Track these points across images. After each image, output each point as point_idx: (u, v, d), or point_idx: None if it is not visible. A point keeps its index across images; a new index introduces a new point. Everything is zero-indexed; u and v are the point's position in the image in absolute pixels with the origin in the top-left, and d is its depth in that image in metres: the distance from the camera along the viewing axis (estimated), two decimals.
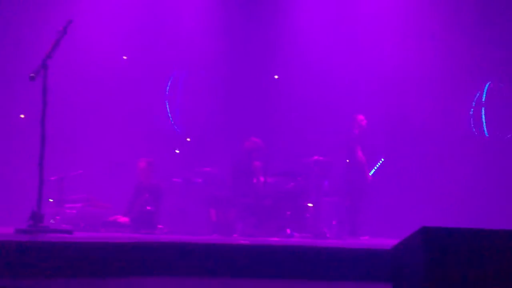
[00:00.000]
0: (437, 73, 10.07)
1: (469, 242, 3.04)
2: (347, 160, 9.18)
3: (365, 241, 8.24)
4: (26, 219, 5.70)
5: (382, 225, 9.11)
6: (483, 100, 10.38)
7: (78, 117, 10.33)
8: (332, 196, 9.07)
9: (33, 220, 5.64)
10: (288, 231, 8.29)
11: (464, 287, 2.95)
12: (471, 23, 10.04)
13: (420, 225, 3.11)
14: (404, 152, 10.03)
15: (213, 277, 4.41)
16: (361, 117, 9.28)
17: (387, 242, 4.94)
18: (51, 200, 8.73)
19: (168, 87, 11.30)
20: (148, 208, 8.67)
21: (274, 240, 7.29)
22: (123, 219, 8.68)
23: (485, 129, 10.29)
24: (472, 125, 10.39)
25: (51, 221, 8.32)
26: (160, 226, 8.71)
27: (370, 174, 9.24)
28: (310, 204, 8.74)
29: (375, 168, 9.43)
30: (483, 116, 10.32)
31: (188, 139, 11.09)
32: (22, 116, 10.16)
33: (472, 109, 10.40)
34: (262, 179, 8.78)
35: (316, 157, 9.09)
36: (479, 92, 10.42)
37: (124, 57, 10.90)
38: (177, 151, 10.92)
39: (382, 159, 9.48)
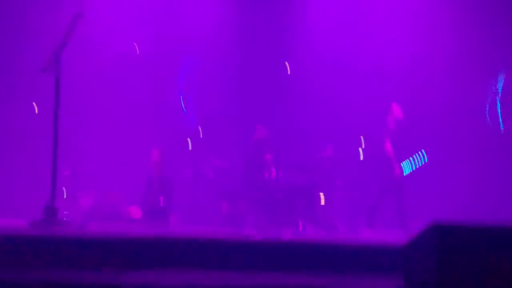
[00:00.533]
0: (451, 66, 9.99)
1: (482, 238, 3.03)
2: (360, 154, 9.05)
3: (374, 235, 8.19)
4: (40, 212, 5.74)
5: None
6: (499, 93, 10.30)
7: (91, 110, 10.35)
8: (343, 190, 9.06)
9: (47, 214, 5.69)
10: (300, 225, 8.32)
11: (475, 283, 2.95)
12: (488, 14, 9.96)
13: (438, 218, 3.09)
14: (421, 146, 9.91)
15: (223, 270, 4.43)
16: (396, 108, 8.92)
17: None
18: (65, 194, 8.79)
19: (180, 79, 11.31)
20: (160, 200, 8.72)
21: (286, 233, 7.31)
22: (136, 212, 8.73)
23: (501, 123, 10.21)
24: (488, 119, 10.32)
25: (65, 214, 8.39)
26: (171, 219, 8.74)
27: (403, 168, 8.79)
28: (322, 198, 8.73)
29: (410, 163, 8.91)
30: (499, 109, 10.24)
31: (200, 128, 11.04)
32: (35, 108, 10.22)
33: (488, 103, 10.34)
34: (273, 172, 8.78)
35: (328, 152, 9.08)
36: (495, 84, 10.34)
37: (137, 48, 10.88)
38: (189, 142, 10.90)
39: (421, 155, 8.97)
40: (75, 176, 8.92)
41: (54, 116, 5.81)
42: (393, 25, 10.21)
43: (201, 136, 10.93)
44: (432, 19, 10.19)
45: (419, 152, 8.88)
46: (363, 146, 9.55)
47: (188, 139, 10.85)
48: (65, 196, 8.75)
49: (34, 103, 10.17)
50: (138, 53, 10.85)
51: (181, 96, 11.25)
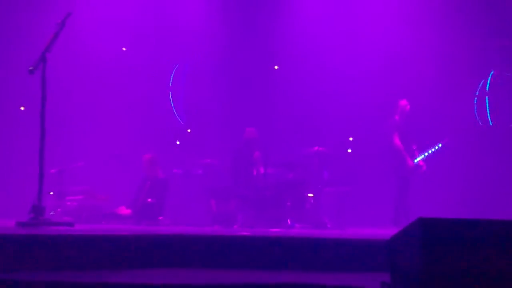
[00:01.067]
0: (440, 62, 10.04)
1: (467, 233, 3.05)
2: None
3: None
4: (27, 212, 5.71)
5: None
6: (487, 89, 10.37)
7: (78, 109, 10.34)
8: (332, 186, 9.09)
9: (34, 213, 5.66)
10: (289, 221, 8.34)
11: (462, 278, 2.97)
12: (476, 11, 10.02)
13: (423, 215, 3.12)
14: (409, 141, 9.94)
15: (214, 268, 4.43)
16: (403, 102, 8.91)
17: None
18: (52, 193, 8.76)
19: (171, 79, 11.31)
20: (149, 200, 8.72)
21: (275, 231, 7.33)
22: (125, 211, 8.73)
23: (489, 118, 10.28)
24: (476, 114, 10.38)
25: (51, 213, 8.36)
26: (161, 218, 8.74)
27: (416, 161, 8.79)
28: (310, 195, 8.76)
29: (424, 155, 8.86)
30: (487, 105, 10.31)
31: (189, 131, 11.11)
32: (22, 108, 10.18)
33: (476, 98, 10.40)
34: (262, 170, 8.80)
35: (316, 148, 9.11)
36: (483, 80, 10.40)
37: (124, 49, 10.89)
38: (178, 143, 10.94)
39: (437, 146, 8.91)
40: (63, 175, 8.89)
41: (41, 115, 5.78)
42: (382, 24, 10.25)
43: (188, 131, 10.94)
44: (421, 17, 10.22)
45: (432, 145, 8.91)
46: (351, 139, 9.56)
47: (177, 140, 10.86)
48: (51, 193, 8.71)
49: (21, 108, 10.14)
50: (125, 49, 10.83)
51: (170, 96, 11.25)
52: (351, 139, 10.33)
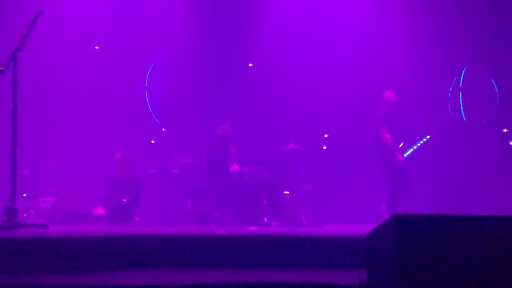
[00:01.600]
0: (414, 58, 10.10)
1: (443, 229, 3.08)
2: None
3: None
4: (0, 214, 5.62)
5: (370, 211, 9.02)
6: (461, 84, 10.48)
7: (51, 109, 10.20)
8: (308, 184, 9.10)
9: (7, 215, 5.58)
10: (265, 219, 8.34)
11: (438, 274, 2.99)
12: (449, 7, 10.11)
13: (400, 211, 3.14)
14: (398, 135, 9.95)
15: (190, 268, 4.41)
16: (389, 94, 8.67)
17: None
18: (25, 195, 8.63)
19: (147, 78, 11.23)
20: (124, 200, 8.64)
21: (251, 229, 7.32)
22: (99, 212, 8.63)
23: (462, 113, 10.39)
24: (450, 110, 10.48)
25: (25, 215, 8.23)
26: (136, 218, 8.68)
27: (405, 155, 8.55)
28: (286, 192, 8.77)
29: (412, 149, 8.71)
30: (461, 101, 10.42)
31: (164, 129, 11.04)
32: None
33: (450, 94, 10.50)
34: (238, 167, 8.77)
35: (291, 146, 9.11)
36: (456, 77, 10.51)
37: (96, 47, 10.79)
38: (152, 142, 10.86)
39: (425, 139, 8.81)
40: (36, 176, 8.76)
41: (13, 115, 5.69)
42: (358, 21, 10.29)
43: (163, 130, 10.88)
44: (395, 14, 10.27)
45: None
46: (326, 136, 9.58)
47: (152, 139, 10.78)
48: (24, 195, 8.59)
49: None
50: (97, 48, 10.73)
51: (146, 95, 11.18)
52: (326, 136, 10.36)
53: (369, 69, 10.07)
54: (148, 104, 11.18)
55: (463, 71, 10.47)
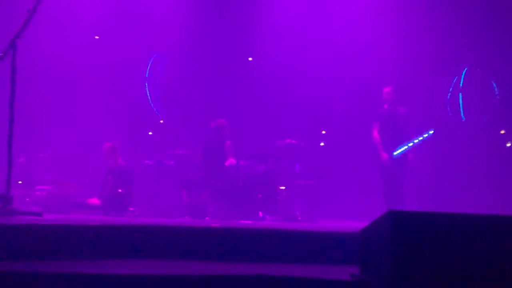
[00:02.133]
0: (415, 58, 10.10)
1: (436, 226, 3.09)
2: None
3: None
4: None
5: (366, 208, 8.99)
6: (461, 85, 10.48)
7: (49, 97, 10.19)
8: (303, 179, 9.12)
9: (2, 202, 5.57)
10: (260, 214, 8.35)
11: (430, 270, 3.01)
12: (449, 8, 10.10)
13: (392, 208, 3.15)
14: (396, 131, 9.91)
15: (183, 259, 4.42)
16: (385, 89, 8.53)
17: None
18: (20, 182, 8.63)
19: (148, 69, 11.23)
20: (119, 190, 8.65)
21: (246, 222, 7.33)
22: (95, 201, 8.64)
23: (462, 113, 10.40)
24: (449, 110, 10.49)
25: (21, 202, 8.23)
26: (131, 209, 8.68)
27: (395, 153, 8.31)
28: (282, 187, 8.78)
29: (404, 148, 8.31)
30: (461, 101, 10.42)
31: (162, 121, 11.04)
32: None
33: (450, 94, 10.51)
34: (234, 161, 8.78)
35: (288, 140, 9.12)
36: (457, 77, 10.52)
37: (96, 37, 10.77)
38: (150, 133, 10.86)
39: (426, 134, 8.40)
40: (32, 164, 8.76)
41: (10, 103, 5.68)
42: (358, 19, 10.29)
43: (161, 122, 10.88)
44: (396, 14, 10.26)
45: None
46: (323, 132, 9.55)
47: (150, 131, 10.79)
48: (20, 182, 8.58)
49: None
50: (97, 38, 10.71)
51: (147, 87, 11.17)
52: (323, 132, 10.37)
53: (368, 67, 10.07)
54: (149, 96, 11.18)
55: (464, 71, 10.47)
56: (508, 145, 9.94)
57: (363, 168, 9.52)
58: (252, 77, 10.72)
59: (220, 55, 10.83)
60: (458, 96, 10.47)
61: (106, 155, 9.05)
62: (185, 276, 3.63)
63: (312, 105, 10.38)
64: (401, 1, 10.27)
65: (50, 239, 4.32)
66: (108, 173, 8.93)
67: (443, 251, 3.03)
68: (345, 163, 9.90)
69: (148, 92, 11.20)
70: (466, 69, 10.49)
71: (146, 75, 11.22)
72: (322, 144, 10.22)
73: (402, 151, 8.34)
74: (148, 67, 11.23)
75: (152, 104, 11.18)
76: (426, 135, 8.37)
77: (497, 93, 10.30)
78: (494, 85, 10.33)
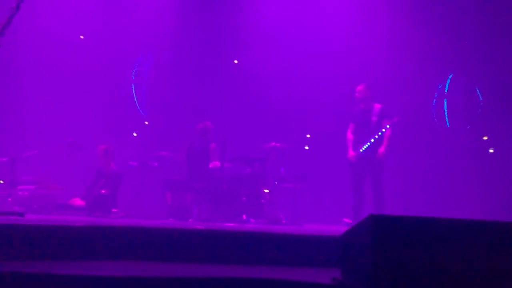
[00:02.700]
0: (401, 64, 10.15)
1: (417, 230, 3.11)
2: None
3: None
4: None
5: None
6: (446, 91, 10.56)
7: (33, 96, 10.12)
8: (288, 182, 9.13)
9: None
10: (244, 216, 8.35)
11: (411, 275, 3.02)
12: (435, 15, 10.17)
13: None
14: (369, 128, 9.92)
15: (166, 261, 4.41)
16: (358, 88, 8.37)
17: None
18: (2, 182, 8.56)
19: (134, 71, 11.20)
20: (103, 191, 8.61)
21: (229, 225, 7.32)
22: (78, 202, 8.59)
23: (446, 119, 10.47)
24: (434, 116, 10.56)
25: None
26: (114, 210, 8.64)
27: (361, 150, 8.12)
28: (266, 190, 8.78)
29: (367, 145, 8.11)
30: (445, 107, 10.50)
31: (146, 123, 11.01)
32: None
33: (435, 100, 10.58)
34: (218, 163, 8.77)
35: (273, 143, 9.14)
36: (442, 83, 10.60)
37: (81, 37, 10.72)
38: (134, 134, 10.83)
39: (384, 129, 8.05)
40: (15, 164, 8.69)
41: None
42: (343, 22, 10.33)
43: (146, 123, 10.85)
44: (380, 17, 10.32)
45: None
46: (308, 136, 9.56)
47: (134, 132, 10.75)
48: (1, 182, 8.52)
49: None
50: (82, 37, 10.67)
51: (133, 88, 11.15)
52: (308, 136, 10.39)
53: (353, 72, 10.10)
54: (135, 97, 11.16)
55: (449, 78, 10.55)
56: (491, 151, 10.02)
57: (347, 172, 9.53)
58: (237, 79, 10.73)
59: (206, 57, 10.84)
60: (443, 102, 10.54)
61: (99, 157, 8.99)
62: (167, 278, 3.61)
63: (297, 109, 10.41)
64: (386, 7, 10.31)
65: (32, 240, 4.29)
66: (99, 175, 8.88)
67: (423, 255, 3.04)
68: (330, 167, 9.92)
69: (134, 93, 11.17)
70: (451, 75, 10.57)
71: (133, 77, 11.18)
72: (307, 147, 10.24)
73: (366, 147, 8.13)
74: (135, 68, 11.21)
75: (138, 106, 11.15)
76: (384, 130, 8.09)
77: (481, 99, 10.38)
78: (478, 92, 10.41)
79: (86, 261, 4.22)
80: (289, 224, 8.41)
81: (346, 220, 8.05)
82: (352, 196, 8.24)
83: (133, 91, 11.17)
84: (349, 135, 8.36)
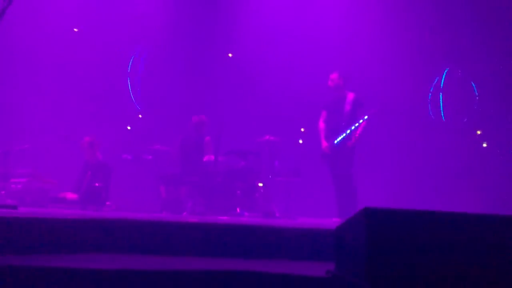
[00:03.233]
0: (396, 58, 10.15)
1: (411, 223, 3.11)
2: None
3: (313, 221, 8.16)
4: None
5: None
6: (441, 85, 10.58)
7: (26, 89, 10.08)
8: (282, 176, 9.13)
9: None
10: (238, 210, 8.34)
11: (406, 268, 3.03)
12: (431, 9, 10.18)
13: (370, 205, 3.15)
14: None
15: (160, 255, 4.40)
16: (331, 75, 8.17)
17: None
18: None
19: (130, 64, 11.17)
20: (96, 184, 8.58)
21: (223, 218, 7.32)
22: (71, 196, 8.57)
23: (442, 113, 10.49)
24: (430, 110, 10.58)
25: None
26: (108, 203, 8.62)
27: (336, 141, 7.92)
28: (260, 184, 8.78)
29: (343, 135, 7.88)
30: (441, 101, 10.51)
31: (140, 116, 10.98)
32: None
33: (430, 94, 10.60)
34: (212, 157, 8.76)
35: (267, 137, 9.13)
36: (438, 77, 10.61)
37: (75, 30, 10.67)
38: (128, 128, 10.80)
39: (361, 120, 7.78)
40: (8, 156, 8.66)
41: None
42: (336, 17, 10.32)
43: (140, 116, 10.83)
44: (376, 13, 10.32)
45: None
46: (302, 130, 9.55)
47: (128, 125, 10.73)
48: None
49: None
50: (76, 30, 10.63)
51: (129, 81, 11.12)
52: (302, 130, 10.38)
53: (348, 67, 10.08)
54: (130, 91, 11.13)
55: (445, 72, 10.56)
56: (485, 145, 10.05)
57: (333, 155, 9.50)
58: (232, 73, 10.72)
59: (200, 50, 10.82)
60: (439, 97, 10.56)
61: (84, 149, 8.97)
62: (161, 271, 3.61)
63: (291, 102, 10.41)
64: (381, 2, 10.31)
65: (25, 233, 4.27)
66: (86, 168, 8.86)
67: (417, 248, 3.04)
68: (323, 161, 9.91)
69: (130, 86, 11.14)
70: (447, 70, 10.58)
71: (128, 70, 11.15)
72: (300, 141, 10.24)
73: (341, 139, 7.92)
74: (130, 62, 11.17)
75: (133, 99, 11.12)
76: (362, 121, 7.83)
77: (476, 94, 10.41)
78: (474, 86, 10.44)
79: (80, 254, 4.21)
80: (283, 217, 8.41)
81: (336, 219, 7.93)
82: (334, 191, 8.06)
83: (129, 84, 11.14)
84: (321, 124, 8.12)
